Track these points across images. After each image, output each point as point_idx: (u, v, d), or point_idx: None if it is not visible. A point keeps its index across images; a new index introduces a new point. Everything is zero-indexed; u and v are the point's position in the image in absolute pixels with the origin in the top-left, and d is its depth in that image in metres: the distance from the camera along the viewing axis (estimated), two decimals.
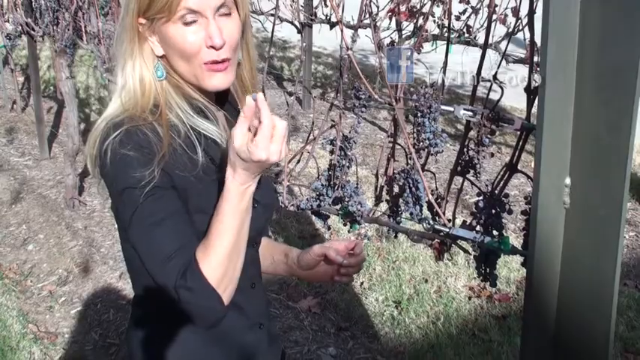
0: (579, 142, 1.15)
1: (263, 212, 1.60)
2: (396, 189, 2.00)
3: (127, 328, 1.72)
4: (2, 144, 6.98)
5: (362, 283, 4.35)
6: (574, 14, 1.08)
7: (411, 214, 1.92)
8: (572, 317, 1.26)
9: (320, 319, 4.03)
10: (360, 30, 1.96)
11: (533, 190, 1.25)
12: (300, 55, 7.25)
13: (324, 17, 6.89)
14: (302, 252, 1.81)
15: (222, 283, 1.40)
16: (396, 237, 2.11)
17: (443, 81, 1.87)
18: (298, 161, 2.24)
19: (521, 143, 1.63)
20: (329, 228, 2.29)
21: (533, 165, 1.23)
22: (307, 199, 2.15)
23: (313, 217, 2.24)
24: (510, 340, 3.73)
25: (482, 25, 5.47)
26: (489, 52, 1.76)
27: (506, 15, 5.18)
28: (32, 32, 5.86)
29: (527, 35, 1.58)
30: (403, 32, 5.44)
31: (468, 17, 5.52)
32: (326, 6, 6.54)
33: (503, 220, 1.73)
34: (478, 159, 1.77)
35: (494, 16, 4.93)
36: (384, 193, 2.08)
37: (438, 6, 4.96)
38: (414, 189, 1.89)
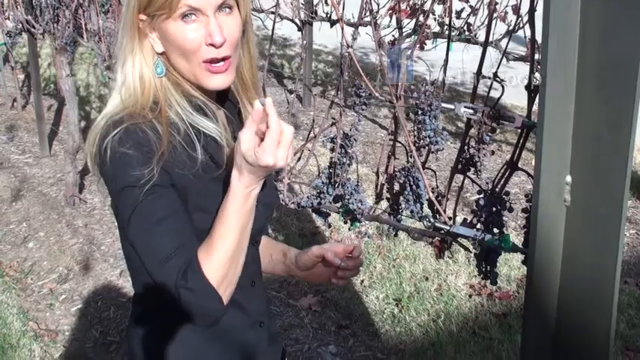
0: (580, 139, 1.14)
1: (264, 211, 1.60)
2: (396, 187, 2.00)
3: (127, 326, 1.72)
4: (3, 142, 6.98)
5: (362, 281, 4.35)
6: (575, 12, 1.08)
7: (412, 211, 1.92)
8: (573, 315, 1.26)
9: (320, 317, 4.03)
10: (360, 28, 1.96)
11: (534, 187, 1.24)
12: (300, 52, 7.24)
13: (324, 15, 6.88)
14: (300, 252, 1.81)
15: (223, 284, 1.41)
16: (396, 235, 2.11)
17: (443, 79, 1.87)
18: (299, 159, 2.24)
19: (521, 141, 1.63)
20: (329, 226, 2.29)
21: (533, 163, 1.23)
22: (308, 197, 2.15)
23: (314, 215, 2.24)
24: (511, 338, 3.73)
25: (482, 23, 5.46)
26: (490, 49, 1.76)
27: (506, 13, 5.18)
28: (32, 30, 5.86)
29: (528, 33, 1.58)
30: (404, 30, 5.43)
31: (469, 15, 5.51)
32: (326, 4, 6.53)
33: (504, 218, 1.73)
34: (479, 157, 1.77)
35: (495, 14, 4.92)
36: (384, 190, 2.08)
37: (438, 4, 4.96)
38: (414, 187, 1.89)
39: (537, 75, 1.38)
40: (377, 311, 4.08)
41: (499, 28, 4.91)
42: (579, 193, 1.17)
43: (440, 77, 1.86)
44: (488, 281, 1.81)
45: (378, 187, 2.11)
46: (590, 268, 1.20)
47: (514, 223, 4.78)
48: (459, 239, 1.87)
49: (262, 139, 1.33)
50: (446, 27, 5.49)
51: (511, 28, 5.08)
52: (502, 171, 1.71)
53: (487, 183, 1.73)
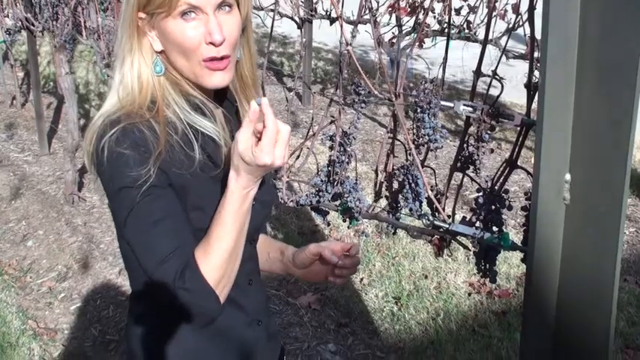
0: (579, 137, 1.14)
1: (261, 209, 1.60)
2: (395, 185, 2.00)
3: (125, 325, 1.72)
4: (2, 140, 6.98)
5: (362, 280, 4.35)
6: (574, 9, 1.08)
7: (411, 210, 1.92)
8: (572, 313, 1.26)
9: (320, 316, 4.03)
10: (360, 26, 1.95)
11: (533, 186, 1.24)
12: (300, 50, 7.24)
13: (324, 13, 6.88)
14: (297, 250, 1.81)
15: (221, 284, 1.42)
16: (395, 233, 2.11)
17: (443, 77, 1.87)
18: (298, 157, 2.24)
19: (521, 139, 1.63)
20: (328, 224, 2.29)
21: (533, 161, 1.23)
22: (307, 195, 2.14)
23: (313, 213, 2.24)
24: (510, 336, 3.73)
25: (482, 21, 5.46)
26: (489, 47, 1.76)
27: (506, 11, 5.18)
28: (32, 27, 5.86)
29: (528, 31, 1.58)
30: (403, 28, 5.43)
31: (469, 13, 5.51)
32: (326, 2, 6.53)
33: (503, 216, 1.72)
34: (478, 155, 1.77)
35: (495, 12, 4.93)
36: (383, 189, 2.08)
37: (438, 1, 4.96)
38: (413, 185, 1.89)
39: (537, 73, 1.37)
40: (376, 309, 4.07)
41: (499, 26, 4.91)
42: (579, 192, 1.17)
43: (439, 75, 1.86)
44: (488, 279, 1.81)
45: (377, 185, 2.11)
46: (589, 266, 1.20)
47: (513, 221, 4.78)
48: (458, 237, 1.87)
49: (259, 139, 1.33)
50: (445, 25, 5.49)
51: (511, 26, 5.10)
52: (501, 169, 1.70)
53: (486, 181, 1.73)
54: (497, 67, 1.65)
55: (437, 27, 5.71)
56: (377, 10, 5.23)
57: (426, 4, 4.80)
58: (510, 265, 4.38)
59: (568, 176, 1.18)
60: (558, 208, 1.20)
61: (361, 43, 9.07)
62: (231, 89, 1.63)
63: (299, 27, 6.93)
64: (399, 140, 1.98)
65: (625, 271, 4.39)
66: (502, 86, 1.67)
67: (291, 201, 2.17)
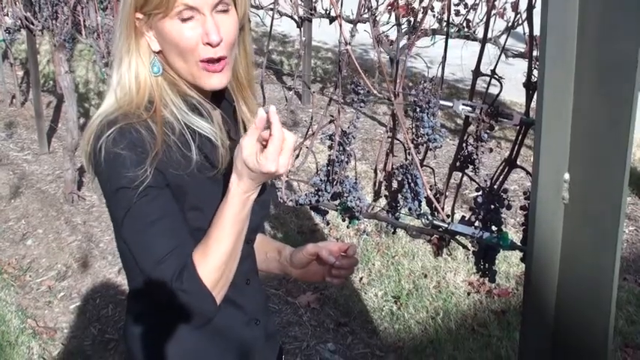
0: (578, 137, 1.14)
1: (259, 209, 1.60)
2: (394, 184, 2.00)
3: (124, 324, 1.72)
4: (1, 138, 6.98)
5: (361, 279, 4.35)
6: (573, 8, 1.08)
7: (410, 209, 1.92)
8: (572, 312, 1.26)
9: (319, 315, 4.03)
10: (359, 24, 1.95)
11: (532, 185, 1.24)
12: (299, 49, 7.24)
13: (323, 12, 6.88)
14: (295, 250, 1.81)
15: (218, 286, 1.42)
16: (394, 232, 2.11)
17: (442, 76, 1.86)
18: (297, 156, 2.24)
19: (520, 138, 1.63)
20: (328, 223, 2.29)
21: (532, 160, 1.23)
22: (306, 195, 2.14)
23: (312, 213, 2.24)
24: (509, 335, 3.73)
25: (481, 20, 5.46)
26: (489, 46, 1.76)
27: (505, 9, 5.19)
28: (31, 26, 5.86)
29: (527, 30, 1.57)
30: (402, 27, 5.43)
31: (468, 12, 5.51)
32: (325, 1, 6.53)
33: (502, 216, 1.72)
34: (477, 154, 1.76)
35: (494, 11, 4.92)
36: (382, 188, 2.07)
37: (437, 0, 4.96)
38: (412, 184, 1.88)
39: (536, 72, 1.37)
40: (375, 309, 4.07)
41: (498, 25, 4.91)
42: (578, 191, 1.17)
43: (438, 74, 1.86)
44: (487, 278, 1.81)
45: (377, 184, 2.10)
46: (588, 265, 1.20)
47: (513, 220, 4.78)
48: (457, 237, 1.87)
49: (264, 146, 1.34)
50: (444, 23, 5.49)
51: (510, 24, 5.10)
52: (500, 168, 1.70)
53: (485, 180, 1.73)
54: (496, 65, 1.65)
55: (436, 25, 5.72)
56: (376, 9, 5.23)
57: (425, 3, 4.81)
58: (509, 264, 4.38)
59: (567, 175, 1.18)
60: (557, 207, 1.20)
61: (361, 42, 9.08)
62: (229, 89, 1.63)
63: (298, 26, 6.93)
64: (398, 139, 1.98)
65: (624, 269, 4.39)
66: (501, 85, 1.66)
67: (291, 200, 2.17)
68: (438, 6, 5.59)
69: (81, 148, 1.49)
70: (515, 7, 5.06)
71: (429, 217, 1.87)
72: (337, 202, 2.09)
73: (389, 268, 4.45)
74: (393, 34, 5.60)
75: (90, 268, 4.62)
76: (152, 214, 1.40)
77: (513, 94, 5.53)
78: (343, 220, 2.13)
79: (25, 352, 3.73)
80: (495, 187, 1.71)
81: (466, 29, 5.61)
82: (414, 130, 1.85)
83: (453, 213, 1.92)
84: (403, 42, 5.50)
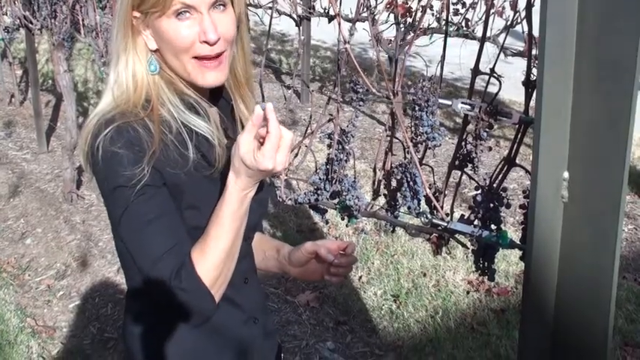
0: (578, 135, 1.14)
1: (257, 207, 1.60)
2: (394, 183, 2.00)
3: (122, 323, 1.72)
4: (0, 138, 6.97)
5: (360, 277, 4.35)
6: (572, 6, 1.08)
7: (409, 208, 1.92)
8: (571, 311, 1.26)
9: (318, 314, 4.03)
10: (358, 23, 1.95)
11: (532, 183, 1.24)
12: (298, 48, 7.24)
13: (322, 10, 6.87)
14: (293, 249, 1.81)
15: (216, 284, 1.42)
16: (393, 231, 2.11)
17: (441, 74, 1.86)
18: (296, 155, 2.23)
19: (519, 137, 1.62)
20: (327, 222, 2.29)
21: (531, 159, 1.23)
22: (305, 193, 2.14)
23: (311, 211, 2.24)
24: (509, 334, 3.73)
25: (480, 19, 5.46)
26: (487, 45, 1.75)
27: (504, 8, 5.19)
28: (30, 25, 5.85)
29: (526, 28, 1.57)
30: (401, 25, 5.43)
31: (467, 10, 5.51)
32: None
33: (502, 214, 1.72)
34: (476, 153, 1.76)
35: (493, 10, 4.92)
36: (381, 187, 2.07)
37: None
38: (411, 183, 1.88)
39: (535, 70, 1.37)
40: (375, 307, 4.08)
41: (497, 24, 4.91)
42: (577, 189, 1.17)
43: (437, 73, 1.86)
44: (486, 277, 1.81)
45: (376, 183, 2.10)
46: (588, 264, 1.19)
47: (512, 219, 4.78)
48: (456, 235, 1.87)
49: (261, 143, 1.34)
50: (443, 22, 5.48)
51: (509, 23, 5.10)
52: (500, 167, 1.70)
53: (484, 179, 1.73)
54: (495, 64, 1.65)
55: (435, 24, 5.72)
56: (375, 7, 5.23)
57: (424, 2, 4.80)
58: (509, 262, 4.38)
59: (566, 174, 1.18)
60: (557, 205, 1.20)
61: (360, 41, 9.07)
62: (226, 87, 1.63)
63: (297, 25, 6.92)
64: (397, 138, 1.98)
65: (623, 268, 4.39)
66: (500, 84, 1.66)
67: (290, 199, 2.16)
68: (437, 5, 5.59)
69: (79, 147, 1.49)
70: (514, 5, 5.07)
71: (428, 215, 1.87)
72: (336, 200, 2.09)
73: (388, 266, 4.45)
74: (392, 33, 5.60)
75: (89, 267, 4.61)
76: (149, 212, 1.40)
77: (512, 92, 5.53)
78: (342, 219, 2.13)
79: (25, 351, 3.73)
80: (494, 185, 1.71)
81: (465, 28, 5.61)
82: (413, 128, 1.85)
83: (452, 211, 1.92)
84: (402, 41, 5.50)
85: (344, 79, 1.98)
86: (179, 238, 1.42)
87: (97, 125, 1.42)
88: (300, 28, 6.94)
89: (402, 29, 5.41)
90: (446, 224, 1.82)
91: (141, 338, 1.61)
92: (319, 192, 2.08)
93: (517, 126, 1.62)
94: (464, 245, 1.91)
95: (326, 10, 6.75)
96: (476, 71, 1.69)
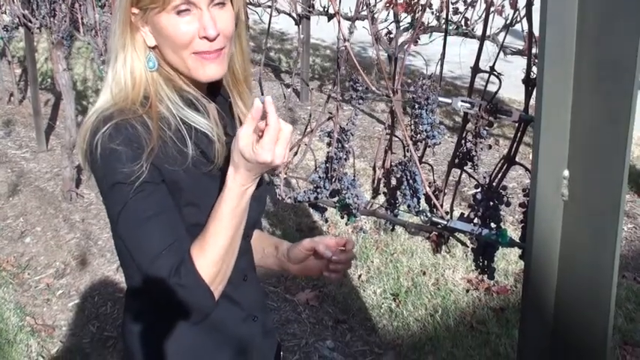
0: (577, 133, 1.14)
1: (257, 205, 1.60)
2: (393, 181, 2.00)
3: (122, 322, 1.72)
4: (0, 136, 6.97)
5: (360, 276, 4.35)
6: (572, 4, 1.08)
7: (409, 206, 1.92)
8: (571, 310, 1.26)
9: (318, 312, 4.03)
10: (358, 22, 1.95)
11: (531, 182, 1.24)
12: (297, 47, 7.24)
13: (321, 9, 6.87)
14: (292, 245, 1.81)
15: (216, 281, 1.42)
16: (393, 229, 2.11)
17: (440, 73, 1.86)
18: (295, 153, 2.24)
19: (519, 135, 1.62)
20: (326, 220, 2.29)
21: (531, 157, 1.23)
22: (304, 192, 2.14)
23: (311, 210, 2.24)
24: (508, 333, 3.73)
25: (480, 17, 5.46)
26: (487, 43, 1.75)
27: (503, 7, 5.19)
28: (29, 24, 5.85)
29: (526, 27, 1.57)
30: (401, 24, 5.43)
31: (466, 9, 5.51)
32: None
33: (501, 213, 1.72)
34: (476, 151, 1.76)
35: (492, 8, 4.92)
36: (381, 185, 2.07)
37: None
38: (411, 181, 1.88)
39: (535, 69, 1.37)
40: (374, 306, 4.07)
41: (496, 22, 4.91)
42: (577, 188, 1.17)
43: (437, 71, 1.86)
44: (486, 276, 1.81)
45: (375, 181, 2.10)
46: (587, 263, 1.19)
47: (511, 217, 4.78)
48: (456, 234, 1.87)
49: (261, 137, 1.33)
50: (443, 20, 5.48)
51: (508, 22, 5.10)
52: (499, 165, 1.70)
53: (484, 177, 1.73)
54: (495, 63, 1.65)
55: (435, 23, 5.72)
56: (374, 6, 5.23)
57: (424, 0, 4.80)
58: (508, 261, 4.38)
59: (566, 172, 1.17)
60: (557, 204, 1.20)
61: (359, 40, 9.07)
62: (224, 84, 1.63)
63: (297, 23, 6.92)
64: (396, 137, 1.98)
65: (623, 267, 4.39)
66: (500, 82, 1.66)
67: (289, 197, 2.16)
68: (436, 3, 5.59)
69: (77, 145, 1.49)
70: (513, 4, 5.07)
71: (428, 214, 1.87)
72: (336, 199, 2.09)
73: (387, 265, 4.45)
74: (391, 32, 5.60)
75: (88, 265, 4.61)
76: (148, 209, 1.40)
77: (512, 91, 5.53)
78: (342, 217, 2.13)
79: (24, 349, 3.73)
80: (494, 184, 1.71)
81: (464, 27, 5.61)
82: (412, 127, 1.85)
83: (451, 210, 1.92)
84: (402, 39, 5.50)
85: (343, 78, 1.98)
86: (178, 235, 1.42)
87: (95, 123, 1.41)
88: (300, 26, 6.94)
89: (402, 28, 5.41)
90: (445, 223, 1.82)
91: (140, 336, 1.61)
92: (319, 190, 2.08)
93: (517, 124, 1.62)
94: (463, 244, 1.91)
95: (325, 9, 6.75)
96: (476, 69, 1.69)
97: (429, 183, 1.90)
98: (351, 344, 3.76)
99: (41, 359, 3.69)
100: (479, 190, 1.73)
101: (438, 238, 1.99)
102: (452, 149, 1.86)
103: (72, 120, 5.30)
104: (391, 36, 5.38)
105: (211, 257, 1.40)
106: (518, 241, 1.68)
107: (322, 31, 7.65)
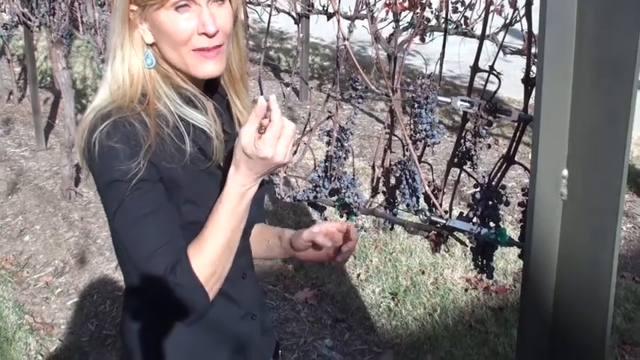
0: (577, 133, 1.14)
1: (255, 204, 1.60)
2: (392, 180, 2.00)
3: (121, 320, 1.72)
4: None
5: (359, 275, 4.35)
6: (571, 4, 1.08)
7: (408, 205, 1.92)
8: (569, 309, 1.26)
9: (316, 311, 4.03)
10: (357, 21, 1.95)
11: (531, 181, 1.24)
12: (297, 46, 7.23)
13: (321, 8, 6.87)
14: (295, 234, 1.78)
15: (211, 281, 1.42)
16: (392, 229, 2.11)
17: (440, 72, 1.86)
18: (295, 152, 2.24)
19: (518, 134, 1.63)
20: (325, 219, 2.29)
21: (530, 156, 1.23)
22: (304, 191, 2.14)
23: (310, 209, 2.24)
24: (507, 332, 3.74)
25: (479, 17, 5.46)
26: (487, 43, 1.76)
27: (503, 6, 5.18)
28: (29, 22, 5.84)
29: (525, 26, 1.57)
30: (400, 23, 5.42)
31: (466, 8, 5.51)
32: None
33: (500, 212, 1.72)
34: (475, 150, 1.76)
35: (492, 7, 4.92)
36: (380, 184, 2.08)
37: None
38: (410, 180, 1.89)
39: (534, 68, 1.37)
40: (373, 305, 4.07)
41: (496, 22, 4.91)
42: (576, 187, 1.17)
43: (436, 71, 1.86)
44: (485, 275, 1.81)
45: (375, 180, 2.10)
46: (586, 262, 1.19)
47: (510, 217, 4.78)
48: (455, 233, 1.87)
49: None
50: (442, 20, 5.48)
51: (508, 21, 5.10)
52: (498, 164, 1.70)
53: (483, 177, 1.73)
54: (494, 62, 1.65)
55: (434, 22, 5.71)
56: (374, 5, 5.23)
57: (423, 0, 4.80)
58: (507, 260, 4.38)
59: (565, 172, 1.18)
60: (556, 203, 1.20)
61: (359, 39, 9.07)
62: (221, 82, 1.63)
63: (296, 22, 6.91)
64: (396, 136, 1.98)
65: (622, 267, 4.39)
66: (499, 82, 1.66)
67: (289, 196, 2.17)
68: (435, 3, 5.59)
69: (75, 143, 1.49)
70: (513, 3, 5.06)
71: (427, 213, 1.87)
72: (335, 198, 2.10)
73: (386, 264, 4.45)
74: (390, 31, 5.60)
75: (87, 264, 4.61)
76: (145, 207, 1.39)
77: (511, 90, 5.53)
78: (341, 216, 2.13)
79: (23, 348, 3.72)
80: (493, 183, 1.71)
81: (464, 26, 5.61)
82: (412, 126, 1.85)
83: (450, 209, 1.92)
84: (401, 38, 5.50)
85: (343, 77, 1.98)
86: (174, 233, 1.42)
87: (93, 120, 1.41)
88: (299, 25, 6.92)
89: (402, 27, 5.41)
90: (444, 222, 1.82)
91: (139, 335, 1.61)
92: (318, 189, 2.09)
93: (516, 124, 1.62)
94: (462, 243, 1.91)
95: (325, 8, 6.75)
96: (475, 69, 1.69)
97: (429, 182, 1.90)
98: (350, 343, 3.76)
99: (40, 357, 3.69)
100: (478, 189, 1.74)
101: (437, 237, 1.99)
102: (451, 148, 1.86)
103: (71, 118, 5.30)
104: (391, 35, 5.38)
105: (208, 257, 1.40)
106: (517, 240, 1.69)
107: (322, 30, 7.65)
